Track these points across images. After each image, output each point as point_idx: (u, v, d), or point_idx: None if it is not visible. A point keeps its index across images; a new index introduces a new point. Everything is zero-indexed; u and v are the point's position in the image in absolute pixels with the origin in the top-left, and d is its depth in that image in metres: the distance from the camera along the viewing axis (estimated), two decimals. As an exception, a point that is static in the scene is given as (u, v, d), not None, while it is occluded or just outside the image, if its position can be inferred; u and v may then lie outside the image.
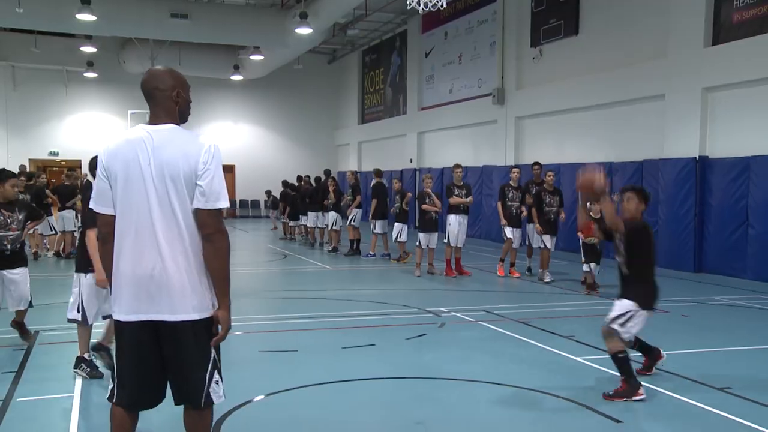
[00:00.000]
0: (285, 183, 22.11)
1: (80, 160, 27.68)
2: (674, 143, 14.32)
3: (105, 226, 3.41)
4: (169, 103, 3.40)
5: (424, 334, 7.96)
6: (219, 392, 3.49)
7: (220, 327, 3.41)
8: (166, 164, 3.26)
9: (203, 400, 3.42)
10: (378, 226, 15.91)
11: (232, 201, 32.62)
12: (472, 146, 22.50)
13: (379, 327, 8.50)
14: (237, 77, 29.47)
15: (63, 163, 29.91)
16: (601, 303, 10.38)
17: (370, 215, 16.03)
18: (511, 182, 13.10)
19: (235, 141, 32.65)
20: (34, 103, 29.61)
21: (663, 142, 14.64)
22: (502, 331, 8.19)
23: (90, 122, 30.08)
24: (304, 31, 20.38)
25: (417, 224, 12.78)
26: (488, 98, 20.83)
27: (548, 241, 12.29)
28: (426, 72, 25.54)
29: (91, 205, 3.46)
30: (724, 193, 13.32)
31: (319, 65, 33.51)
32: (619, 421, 5.08)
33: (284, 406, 5.45)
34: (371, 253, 16.09)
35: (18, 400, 5.51)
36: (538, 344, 7.48)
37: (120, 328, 3.39)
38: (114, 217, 3.35)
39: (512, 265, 13.08)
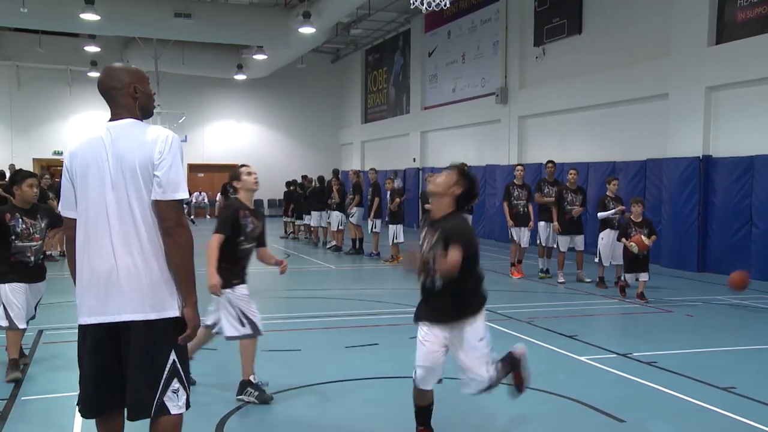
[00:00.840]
0: (294, 182, 22.06)
1: (84, 160, 27.67)
2: (677, 142, 14.29)
3: (68, 229, 3.34)
4: (127, 100, 3.31)
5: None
6: (179, 402, 3.23)
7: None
8: (122, 157, 3.16)
9: (153, 409, 3.18)
10: (378, 225, 15.93)
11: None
12: (476, 145, 22.50)
13: (382, 326, 8.49)
14: (240, 77, 29.47)
15: (67, 162, 29.98)
16: (605, 303, 10.37)
17: (373, 214, 16.00)
18: (515, 180, 12.84)
19: (238, 140, 32.68)
20: (38, 102, 29.70)
21: (666, 141, 14.61)
22: (506, 330, 8.18)
23: (94, 122, 30.04)
24: (307, 30, 20.37)
25: (421, 224, 12.70)
26: (491, 97, 20.81)
27: (579, 240, 12.15)
28: (429, 71, 25.53)
29: (60, 209, 3.40)
30: (727, 193, 13.29)
31: (323, 64, 33.52)
32: (622, 421, 5.07)
33: (288, 405, 5.45)
34: (374, 252, 16.08)
35: (22, 398, 5.52)
36: (542, 344, 7.47)
37: (82, 332, 3.27)
38: (76, 220, 3.30)
39: (519, 262, 12.85)
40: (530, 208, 12.60)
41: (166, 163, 3.15)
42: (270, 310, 9.94)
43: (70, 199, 3.31)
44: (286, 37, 22.78)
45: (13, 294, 6.02)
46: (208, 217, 29.96)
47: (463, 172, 4.35)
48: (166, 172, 3.15)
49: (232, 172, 5.68)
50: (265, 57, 26.39)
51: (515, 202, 12.61)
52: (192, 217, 28.13)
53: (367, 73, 31.78)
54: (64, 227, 3.40)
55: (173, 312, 3.22)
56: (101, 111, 30.03)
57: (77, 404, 3.35)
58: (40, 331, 7.76)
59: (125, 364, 3.19)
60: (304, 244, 19.50)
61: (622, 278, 10.62)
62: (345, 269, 14.40)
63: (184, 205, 3.40)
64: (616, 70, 16.14)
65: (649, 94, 15.17)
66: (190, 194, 26.73)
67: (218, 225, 5.42)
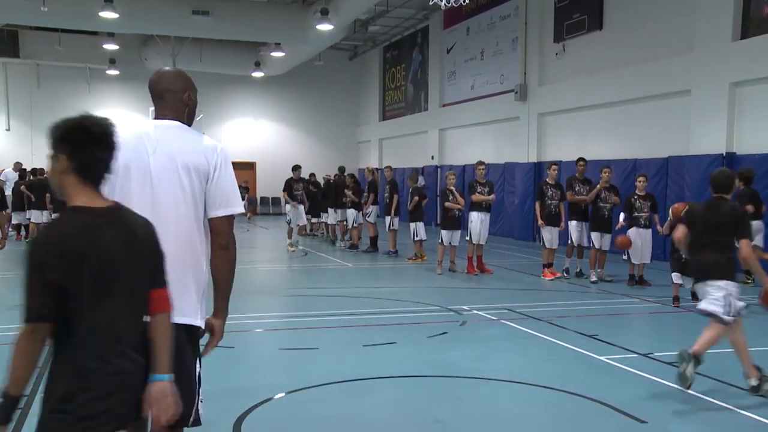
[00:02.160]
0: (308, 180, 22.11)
1: (103, 158, 27.91)
2: (700, 139, 14.15)
3: None
4: (179, 105, 3.33)
5: (445, 333, 7.94)
6: (200, 411, 3.21)
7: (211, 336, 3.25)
8: (172, 157, 3.15)
9: (192, 418, 3.12)
10: (396, 223, 15.90)
11: (253, 198, 32.79)
12: (494, 143, 22.42)
13: (400, 325, 8.48)
14: (258, 74, 29.60)
15: (86, 160, 30.22)
16: (627, 302, 10.29)
17: (393, 211, 15.90)
18: (548, 179, 12.59)
19: (255, 138, 32.81)
20: (57, 100, 29.90)
21: (688, 138, 14.47)
22: (525, 329, 8.15)
23: (112, 119, 30.32)
24: (325, 27, 20.40)
25: (439, 222, 12.70)
26: (510, 94, 20.73)
27: (606, 240, 11.88)
28: (447, 68, 25.48)
29: None
30: (752, 190, 13.14)
31: (340, 62, 33.56)
32: (643, 422, 5.03)
33: (305, 404, 5.46)
34: (391, 250, 16.05)
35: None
36: (561, 343, 7.43)
37: None
38: None
39: (550, 265, 12.53)
40: (561, 208, 12.38)
41: (222, 178, 3.19)
42: (287, 308, 9.98)
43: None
44: (303, 34, 22.84)
45: None
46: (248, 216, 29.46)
47: (62, 131, 2.62)
48: (223, 187, 3.19)
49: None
50: (282, 54, 26.48)
51: (549, 201, 12.35)
52: None
53: (385, 70, 31.78)
54: None
55: (196, 321, 3.17)
56: (120, 109, 30.41)
57: None
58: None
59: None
60: (320, 242, 19.54)
61: (673, 280, 9.69)
62: (363, 267, 14.41)
63: None
64: (637, 66, 16.01)
65: (671, 90, 15.03)
66: None
67: None
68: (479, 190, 12.85)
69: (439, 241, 13.06)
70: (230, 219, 3.22)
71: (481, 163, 13.21)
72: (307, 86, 32.98)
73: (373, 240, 16.79)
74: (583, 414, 5.31)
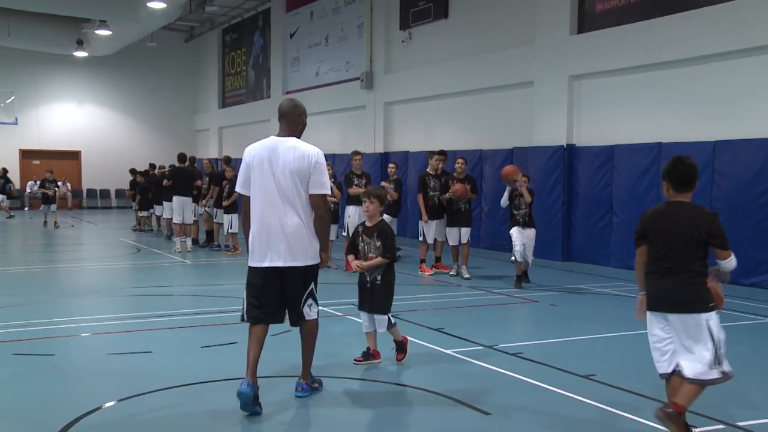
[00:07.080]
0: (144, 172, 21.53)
1: None
2: (543, 131, 14.97)
3: (245, 203, 5.40)
4: (296, 126, 5.53)
5: (289, 330, 7.87)
6: (311, 313, 5.46)
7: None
8: (289, 163, 5.25)
9: (301, 317, 5.45)
10: (220, 216, 15.92)
11: (78, 190, 31.18)
12: (340, 133, 22.60)
13: (241, 324, 8.36)
14: (81, 53, 28.10)
15: None
16: (473, 295, 10.71)
17: (213, 203, 16.01)
18: (429, 170, 12.55)
19: (80, 124, 31.21)
20: None
21: (532, 129, 15.27)
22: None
23: None
24: (156, 5, 19.70)
25: None
26: (356, 82, 20.96)
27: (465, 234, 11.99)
28: (291, 54, 25.37)
29: (237, 189, 5.48)
30: (590, 182, 14.09)
31: (175, 43, 32.57)
32: (487, 414, 5.27)
33: (139, 411, 5.26)
34: (216, 244, 16.11)
35: None
36: (408, 337, 7.61)
37: (253, 271, 5.38)
38: (249, 197, 5.38)
39: (438, 260, 12.65)
40: (444, 200, 12.18)
41: (317, 172, 5.31)
42: (116, 310, 9.57)
43: (247, 183, 5.38)
44: (132, 11, 21.89)
45: None
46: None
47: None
48: (317, 177, 5.31)
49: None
50: (109, 33, 25.28)
51: (431, 193, 12.28)
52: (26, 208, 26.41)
53: (225, 54, 31.18)
54: (243, 202, 5.44)
55: (312, 261, 5.39)
56: None
57: (241, 318, 5.53)
58: None
59: (285, 292, 5.39)
60: (154, 237, 18.90)
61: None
62: (200, 264, 14.09)
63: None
64: (482, 56, 16.67)
65: (515, 82, 15.79)
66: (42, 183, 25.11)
67: None
68: (356, 182, 12.87)
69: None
70: (321, 197, 5.35)
71: (357, 153, 13.31)
72: (139, 69, 31.77)
73: (210, 234, 16.57)
74: (428, 408, 5.48)
